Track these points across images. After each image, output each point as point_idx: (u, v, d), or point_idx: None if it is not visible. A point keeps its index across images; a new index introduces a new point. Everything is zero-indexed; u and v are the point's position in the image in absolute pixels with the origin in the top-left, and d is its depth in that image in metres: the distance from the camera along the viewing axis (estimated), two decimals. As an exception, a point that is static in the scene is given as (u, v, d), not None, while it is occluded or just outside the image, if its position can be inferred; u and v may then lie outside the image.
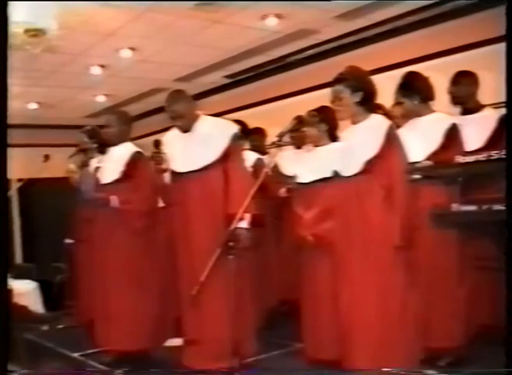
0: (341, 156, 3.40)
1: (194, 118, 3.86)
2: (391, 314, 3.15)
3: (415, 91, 3.80)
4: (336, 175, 3.42)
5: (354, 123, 3.38)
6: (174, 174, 3.86)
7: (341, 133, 3.60)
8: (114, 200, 4.17)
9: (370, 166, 3.23)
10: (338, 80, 3.35)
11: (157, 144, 3.81)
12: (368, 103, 3.35)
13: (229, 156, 3.76)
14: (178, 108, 3.78)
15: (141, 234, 4.20)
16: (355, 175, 3.28)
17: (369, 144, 3.25)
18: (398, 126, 3.97)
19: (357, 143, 3.30)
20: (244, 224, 3.68)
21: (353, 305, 3.22)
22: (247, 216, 3.64)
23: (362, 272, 3.19)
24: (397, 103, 3.90)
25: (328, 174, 3.58)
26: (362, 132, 3.31)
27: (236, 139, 3.86)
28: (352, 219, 3.26)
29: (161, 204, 4.54)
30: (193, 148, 3.79)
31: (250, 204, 3.54)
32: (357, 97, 3.30)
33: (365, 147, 3.26)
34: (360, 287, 3.19)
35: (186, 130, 3.87)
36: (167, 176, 3.88)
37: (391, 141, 3.24)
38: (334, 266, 3.33)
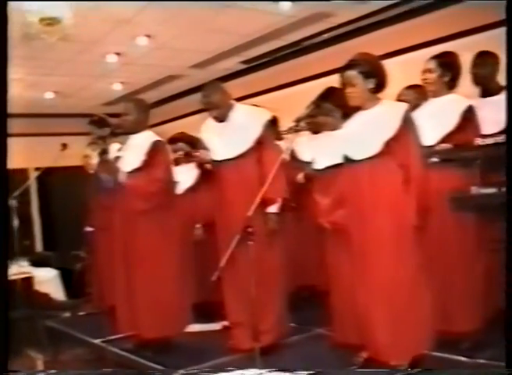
0: (353, 141, 3.34)
1: (229, 107, 4.04)
2: (407, 295, 3.16)
3: (451, 68, 3.77)
4: (347, 160, 3.36)
5: (365, 109, 3.34)
6: (212, 162, 4.04)
7: (351, 119, 3.50)
8: (122, 174, 4.17)
9: (387, 147, 3.20)
10: (350, 65, 3.30)
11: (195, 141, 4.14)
12: (381, 89, 3.31)
13: (262, 143, 3.92)
14: (213, 100, 3.99)
15: (157, 220, 4.17)
16: (370, 158, 3.24)
17: (386, 126, 3.22)
18: (414, 108, 3.95)
19: (372, 127, 3.26)
20: (274, 209, 3.82)
21: (371, 289, 3.20)
22: (278, 201, 3.81)
23: (379, 255, 3.18)
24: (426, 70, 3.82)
25: (339, 160, 3.52)
26: (377, 117, 3.28)
27: (269, 126, 4.01)
28: (367, 202, 3.24)
29: (179, 191, 4.57)
30: (228, 137, 3.97)
31: (281, 189, 3.78)
32: (371, 83, 3.26)
33: (382, 130, 3.22)
34: (377, 269, 3.18)
35: (221, 119, 4.04)
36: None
37: (408, 124, 3.22)
38: (351, 250, 3.30)
